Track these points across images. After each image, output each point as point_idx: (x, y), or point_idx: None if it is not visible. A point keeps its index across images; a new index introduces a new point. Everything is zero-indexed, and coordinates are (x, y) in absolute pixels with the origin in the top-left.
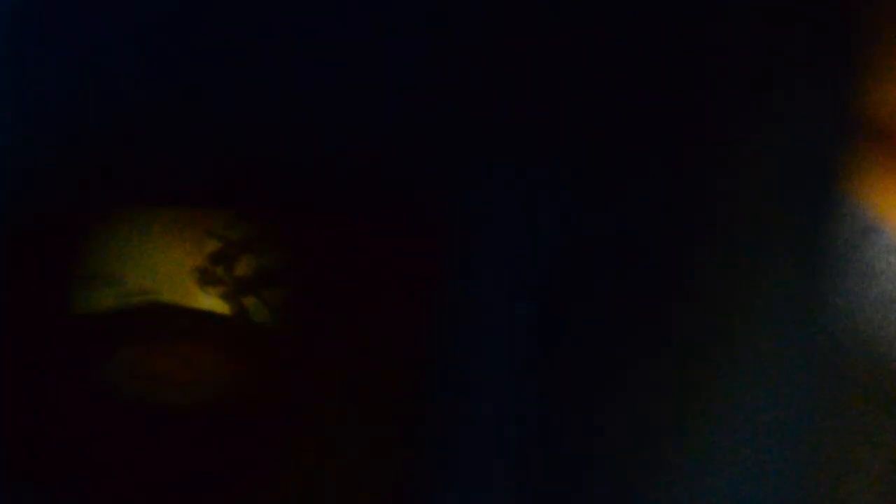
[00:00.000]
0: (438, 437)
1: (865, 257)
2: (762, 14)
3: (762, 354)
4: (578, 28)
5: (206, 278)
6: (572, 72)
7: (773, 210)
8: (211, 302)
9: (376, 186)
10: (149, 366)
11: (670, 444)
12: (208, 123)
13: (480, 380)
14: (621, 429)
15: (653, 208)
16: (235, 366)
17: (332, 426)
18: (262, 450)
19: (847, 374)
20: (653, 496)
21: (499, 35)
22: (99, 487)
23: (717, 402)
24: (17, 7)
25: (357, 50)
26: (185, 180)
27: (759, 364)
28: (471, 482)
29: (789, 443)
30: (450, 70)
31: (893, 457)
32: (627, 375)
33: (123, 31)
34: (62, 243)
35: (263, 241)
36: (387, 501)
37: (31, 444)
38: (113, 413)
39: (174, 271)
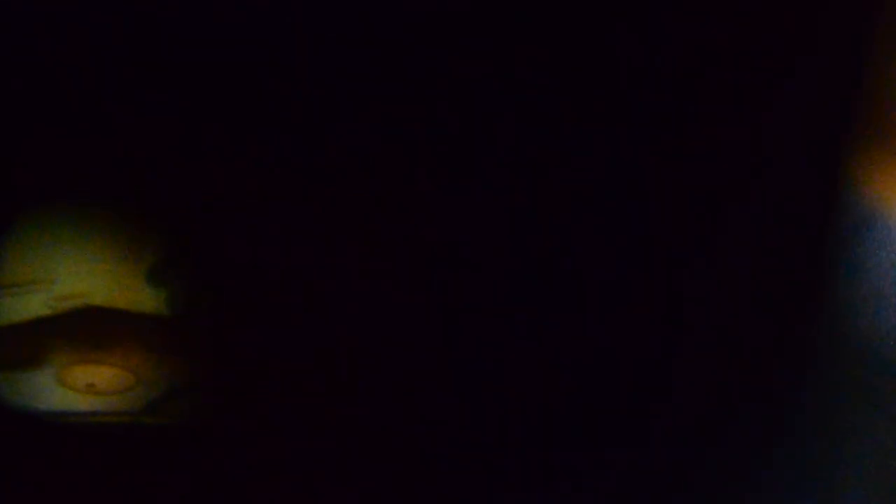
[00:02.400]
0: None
1: (858, 253)
2: (763, 10)
3: (757, 347)
4: None
5: (142, 279)
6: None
7: (769, 205)
8: (147, 303)
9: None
10: (81, 373)
11: (672, 444)
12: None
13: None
14: (640, 428)
15: (655, 202)
16: (174, 369)
17: (280, 426)
18: (206, 456)
19: (840, 368)
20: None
21: None
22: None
23: (712, 398)
24: None
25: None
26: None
27: (754, 356)
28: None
29: (782, 437)
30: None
31: (885, 453)
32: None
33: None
34: None
35: (203, 239)
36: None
37: None
38: (43, 425)
39: (107, 273)
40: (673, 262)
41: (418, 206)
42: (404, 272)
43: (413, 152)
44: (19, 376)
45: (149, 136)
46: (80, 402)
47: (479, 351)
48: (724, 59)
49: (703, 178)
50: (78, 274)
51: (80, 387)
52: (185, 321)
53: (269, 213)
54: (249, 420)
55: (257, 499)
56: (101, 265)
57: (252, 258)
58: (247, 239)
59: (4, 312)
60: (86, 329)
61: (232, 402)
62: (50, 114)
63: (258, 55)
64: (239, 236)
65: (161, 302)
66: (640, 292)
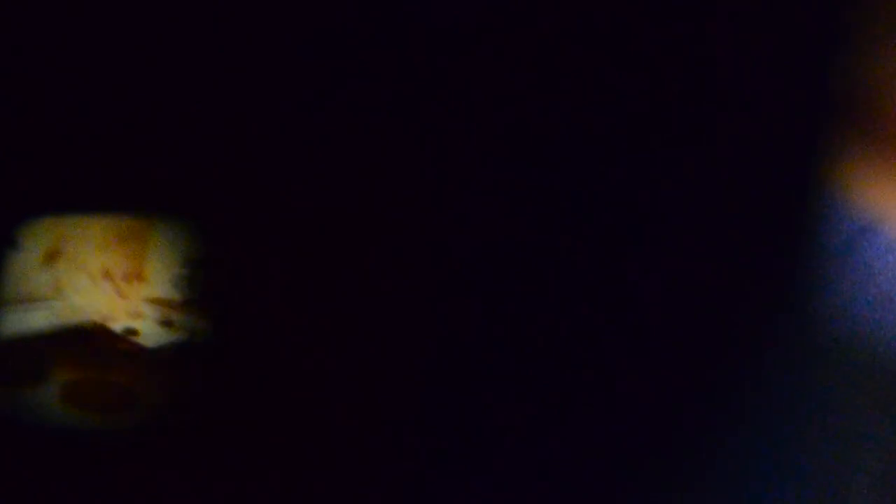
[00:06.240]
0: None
1: (864, 257)
2: (753, 10)
3: (761, 354)
4: None
5: (143, 297)
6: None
7: (771, 209)
8: (145, 322)
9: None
10: (82, 390)
11: (668, 444)
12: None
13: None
14: (622, 427)
15: (648, 205)
16: (175, 388)
17: (269, 446)
18: (200, 475)
19: (845, 374)
20: (652, 495)
21: None
22: None
23: (715, 402)
24: None
25: None
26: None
27: (758, 363)
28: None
29: (789, 443)
30: None
31: (893, 457)
32: (625, 374)
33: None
34: None
35: (210, 258)
36: None
37: None
38: (45, 440)
39: (111, 289)
40: (671, 264)
41: (417, 206)
42: (403, 271)
43: (411, 151)
44: (21, 392)
45: (158, 146)
46: (81, 419)
47: (476, 347)
48: (722, 59)
49: (699, 180)
50: (81, 290)
51: (81, 404)
52: (188, 339)
53: (277, 228)
54: (251, 435)
55: None
56: (106, 281)
57: (256, 271)
58: (250, 252)
59: (8, 328)
60: (88, 346)
61: (232, 419)
62: (53, 121)
63: (259, 54)
64: (244, 250)
65: (163, 318)
66: (641, 295)
